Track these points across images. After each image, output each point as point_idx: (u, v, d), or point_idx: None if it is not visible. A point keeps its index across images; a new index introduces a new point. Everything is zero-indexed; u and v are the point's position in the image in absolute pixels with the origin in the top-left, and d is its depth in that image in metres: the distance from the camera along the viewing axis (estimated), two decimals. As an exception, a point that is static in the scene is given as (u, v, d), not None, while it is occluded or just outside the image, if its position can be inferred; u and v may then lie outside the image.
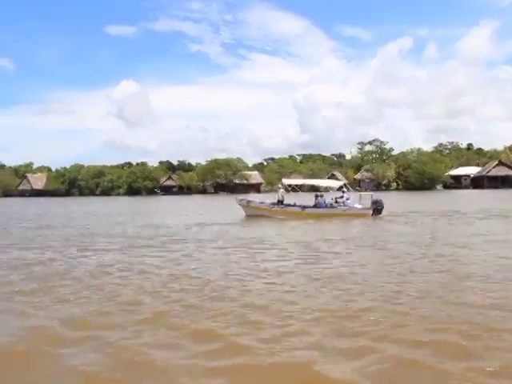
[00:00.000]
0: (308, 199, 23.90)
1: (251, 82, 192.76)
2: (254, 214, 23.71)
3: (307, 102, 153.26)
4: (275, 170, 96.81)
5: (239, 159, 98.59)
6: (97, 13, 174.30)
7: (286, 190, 26.02)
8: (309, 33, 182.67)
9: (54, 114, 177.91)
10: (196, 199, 58.56)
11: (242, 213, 24.67)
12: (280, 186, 26.29)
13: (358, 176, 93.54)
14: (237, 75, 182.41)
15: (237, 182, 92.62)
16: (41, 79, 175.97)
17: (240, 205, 25.03)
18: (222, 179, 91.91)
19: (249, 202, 24.87)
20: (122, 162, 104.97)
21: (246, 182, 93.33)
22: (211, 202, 24.87)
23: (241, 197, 28.17)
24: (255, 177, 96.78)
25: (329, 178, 75.05)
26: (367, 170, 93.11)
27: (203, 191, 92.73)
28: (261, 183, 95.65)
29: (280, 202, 23.91)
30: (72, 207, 43.02)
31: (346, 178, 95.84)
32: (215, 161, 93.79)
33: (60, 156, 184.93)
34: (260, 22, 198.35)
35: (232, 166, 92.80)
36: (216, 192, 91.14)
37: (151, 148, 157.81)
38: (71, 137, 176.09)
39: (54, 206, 47.41)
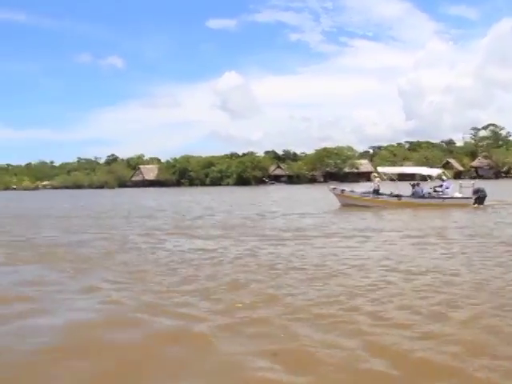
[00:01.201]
0: (404, 188, 23.08)
1: (353, 69, 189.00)
2: (348, 204, 23.20)
3: (412, 87, 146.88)
4: (386, 157, 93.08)
5: (349, 147, 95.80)
6: (199, 7, 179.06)
7: (382, 179, 25.01)
8: (411, 15, 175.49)
9: (161, 108, 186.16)
10: (305, 188, 57.83)
11: (336, 202, 24.23)
12: (375, 174, 25.01)
13: (475, 163, 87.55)
14: (338, 63, 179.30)
15: (347, 170, 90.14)
16: (148, 74, 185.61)
17: (334, 194, 24.60)
18: (331, 168, 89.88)
19: (343, 191, 24.36)
20: (226, 152, 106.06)
21: (355, 170, 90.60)
22: (320, 192, 25.83)
23: (334, 186, 27.91)
24: (365, 165, 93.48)
25: (443, 166, 70.70)
26: (485, 157, 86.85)
27: (312, 180, 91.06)
28: (371, 172, 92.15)
29: (375, 191, 23.05)
30: (198, 197, 44.19)
31: (462, 166, 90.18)
32: (324, 149, 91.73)
33: (168, 147, 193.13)
34: (360, 8, 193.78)
35: (342, 155, 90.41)
36: (325, 181, 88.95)
37: (255, 138, 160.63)
38: (177, 129, 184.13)
39: (177, 195, 49.57)
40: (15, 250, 11.79)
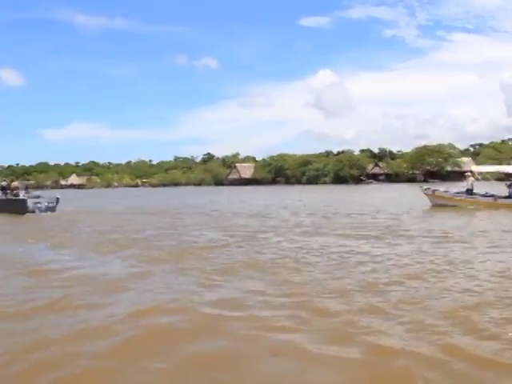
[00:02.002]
0: (500, 189, 21.86)
1: (451, 64, 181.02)
2: (439, 204, 22.55)
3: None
4: (491, 155, 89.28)
5: (451, 145, 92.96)
6: (291, 6, 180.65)
7: (476, 179, 23.72)
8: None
9: (255, 107, 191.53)
10: (406, 187, 56.15)
11: (427, 202, 23.65)
12: (469, 173, 23.66)
13: None
14: (435, 58, 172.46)
15: (448, 169, 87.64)
16: (242, 74, 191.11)
17: (425, 194, 24.11)
18: (432, 166, 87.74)
19: (434, 190, 23.81)
20: (319, 151, 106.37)
21: (457, 169, 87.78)
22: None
23: (426, 186, 27.26)
24: (468, 163, 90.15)
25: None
26: None
27: (411, 179, 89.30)
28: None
29: (469, 191, 22.07)
30: (306, 196, 44.13)
31: None
32: (425, 147, 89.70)
33: (262, 146, 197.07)
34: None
35: (443, 153, 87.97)
36: (426, 180, 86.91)
37: (349, 136, 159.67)
38: (271, 127, 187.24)
39: (282, 194, 49.23)
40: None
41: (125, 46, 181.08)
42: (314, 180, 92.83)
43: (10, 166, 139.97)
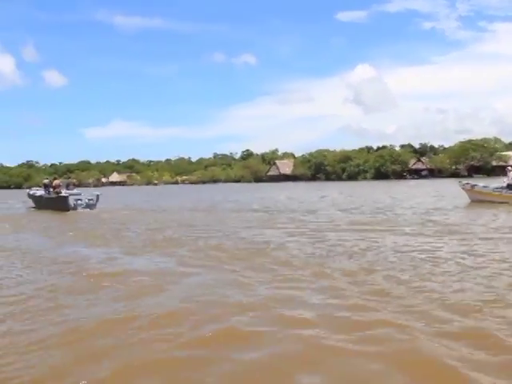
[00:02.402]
0: None
1: (494, 56, 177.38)
2: (478, 200, 22.08)
3: None
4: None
5: (496, 139, 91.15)
6: (328, 1, 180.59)
7: None
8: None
9: (294, 103, 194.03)
10: (449, 183, 54.57)
11: (466, 198, 23.23)
12: (510, 168, 22.93)
13: None
14: (477, 50, 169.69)
15: (494, 164, 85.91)
16: (280, 70, 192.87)
17: (463, 189, 23.78)
18: (476, 161, 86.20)
19: (473, 186, 23.36)
20: (358, 147, 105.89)
21: (503, 163, 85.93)
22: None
23: (465, 181, 26.56)
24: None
25: None
26: None
27: (455, 174, 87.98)
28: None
29: (510, 186, 21.43)
30: (355, 191, 43.88)
31: None
32: (469, 141, 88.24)
33: (300, 142, 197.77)
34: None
35: (489, 147, 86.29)
36: (469, 175, 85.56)
37: (389, 131, 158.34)
38: (309, 123, 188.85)
39: (330, 189, 49.11)
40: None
41: (163, 45, 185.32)
42: (354, 176, 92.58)
43: (53, 165, 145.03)
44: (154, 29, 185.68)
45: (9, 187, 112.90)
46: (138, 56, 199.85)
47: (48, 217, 22.72)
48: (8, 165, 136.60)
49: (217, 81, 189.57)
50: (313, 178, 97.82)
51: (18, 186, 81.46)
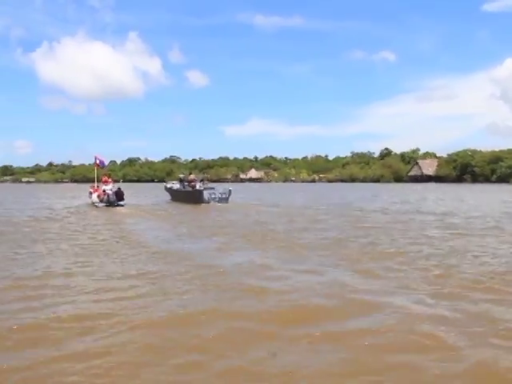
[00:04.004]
0: None
1: None
2: None
3: None
4: None
5: None
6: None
7: None
8: None
9: (435, 101, 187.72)
10: None
11: None
12: None
13: None
14: None
15: None
16: (421, 67, 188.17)
17: None
18: None
19: None
20: (505, 146, 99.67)
21: None
22: None
23: None
24: None
25: None
26: None
27: None
28: None
29: None
30: None
31: None
32: None
33: (441, 141, 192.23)
34: None
35: None
36: None
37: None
38: (452, 122, 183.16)
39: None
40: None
41: (300, 43, 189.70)
42: (505, 178, 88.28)
43: (193, 160, 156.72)
44: (292, 28, 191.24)
45: (152, 181, 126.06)
46: (275, 55, 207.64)
47: (185, 209, 24.36)
48: (153, 160, 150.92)
49: (353, 78, 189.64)
50: (458, 179, 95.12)
51: (161, 180, 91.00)
